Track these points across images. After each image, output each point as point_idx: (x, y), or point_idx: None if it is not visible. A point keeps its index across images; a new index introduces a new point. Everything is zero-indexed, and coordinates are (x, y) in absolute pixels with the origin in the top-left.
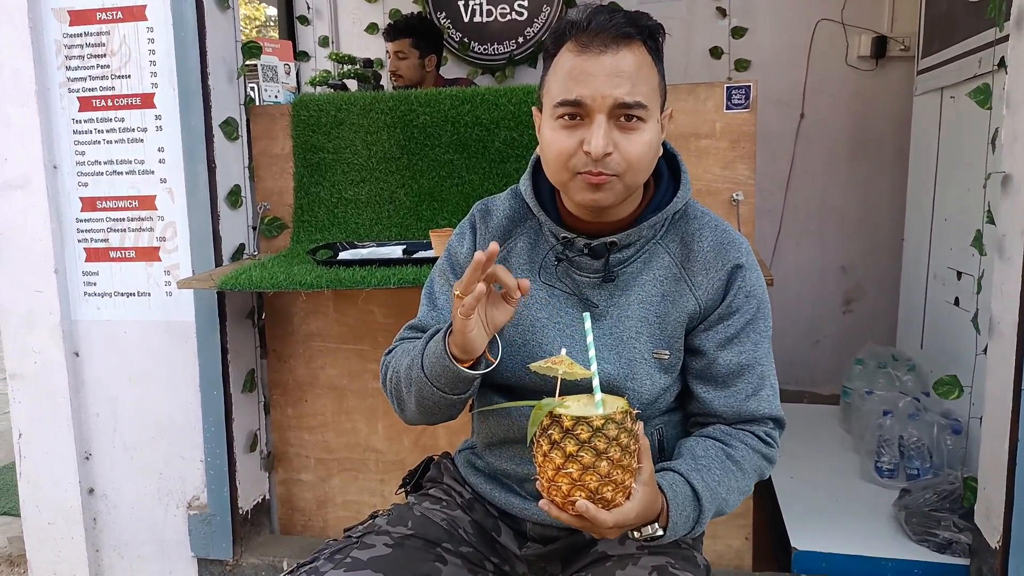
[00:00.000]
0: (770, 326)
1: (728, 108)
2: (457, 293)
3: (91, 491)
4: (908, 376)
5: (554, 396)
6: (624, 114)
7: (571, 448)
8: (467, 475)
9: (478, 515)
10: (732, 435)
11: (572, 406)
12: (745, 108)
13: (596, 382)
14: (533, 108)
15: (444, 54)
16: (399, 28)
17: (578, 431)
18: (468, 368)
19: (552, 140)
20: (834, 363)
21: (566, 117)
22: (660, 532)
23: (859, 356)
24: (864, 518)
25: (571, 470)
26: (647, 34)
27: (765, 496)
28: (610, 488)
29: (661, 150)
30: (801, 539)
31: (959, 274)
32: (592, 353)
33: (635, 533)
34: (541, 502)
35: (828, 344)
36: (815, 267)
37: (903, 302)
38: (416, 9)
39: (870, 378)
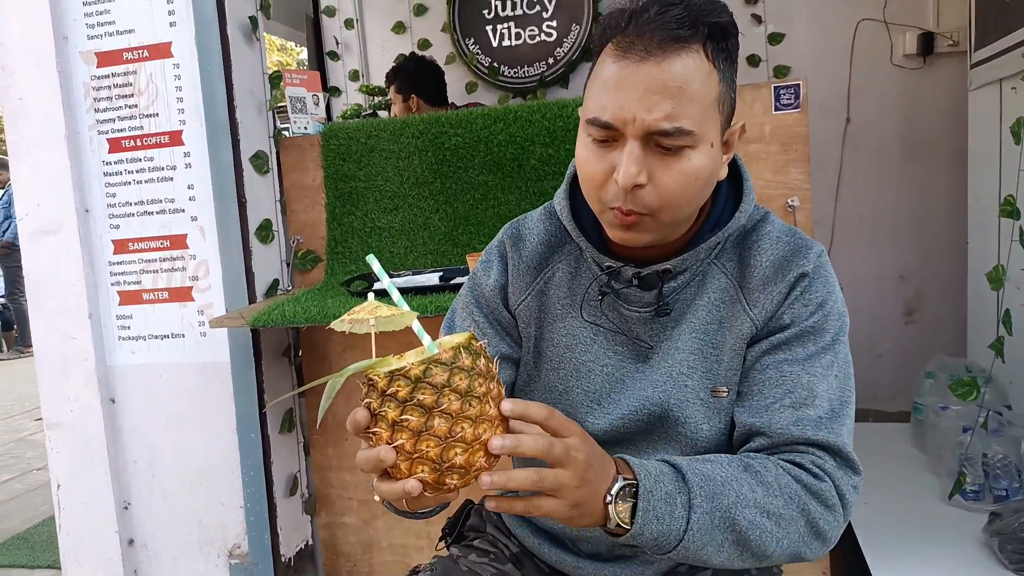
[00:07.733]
0: (840, 341)
1: (777, 109)
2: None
3: (131, 542)
4: (985, 388)
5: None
6: (661, 141)
7: (393, 414)
8: (512, 527)
9: (528, 571)
10: (757, 457)
11: (394, 363)
12: (795, 108)
13: (407, 303)
14: (580, 109)
15: (473, 80)
16: (386, 78)
17: (395, 389)
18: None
19: (583, 160)
20: (899, 378)
21: (596, 138)
22: (629, 493)
23: (929, 369)
24: (951, 545)
25: (402, 441)
26: (710, 34)
27: None
28: (460, 449)
29: (724, 172)
30: (883, 570)
31: None
32: (389, 281)
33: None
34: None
35: (891, 358)
36: (871, 277)
37: (972, 309)
38: (444, 37)
39: (943, 392)
